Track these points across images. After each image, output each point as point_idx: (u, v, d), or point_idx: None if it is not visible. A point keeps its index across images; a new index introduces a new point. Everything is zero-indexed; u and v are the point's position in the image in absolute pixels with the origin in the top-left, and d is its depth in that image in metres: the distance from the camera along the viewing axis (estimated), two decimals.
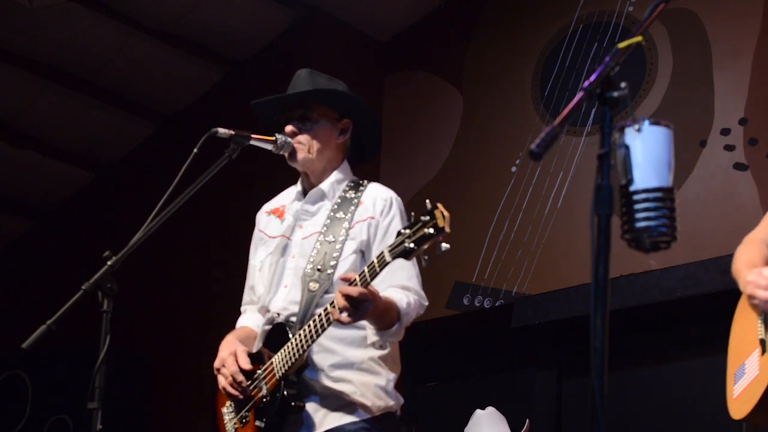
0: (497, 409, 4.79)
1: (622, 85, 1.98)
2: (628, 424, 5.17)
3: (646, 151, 2.00)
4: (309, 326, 2.98)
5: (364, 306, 2.81)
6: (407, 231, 2.68)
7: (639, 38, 2.17)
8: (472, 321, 5.77)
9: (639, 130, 2.00)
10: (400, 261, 2.77)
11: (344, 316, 2.83)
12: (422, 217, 2.66)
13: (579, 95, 1.96)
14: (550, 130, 1.90)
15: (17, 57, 6.50)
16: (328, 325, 2.93)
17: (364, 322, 2.99)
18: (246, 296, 3.42)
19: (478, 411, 4.77)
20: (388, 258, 2.73)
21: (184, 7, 6.29)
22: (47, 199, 7.52)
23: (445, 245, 2.64)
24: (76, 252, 6.94)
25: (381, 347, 3.06)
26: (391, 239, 2.80)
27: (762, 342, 2.91)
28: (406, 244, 2.67)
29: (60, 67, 6.61)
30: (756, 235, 3.12)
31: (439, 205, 2.64)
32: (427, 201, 2.68)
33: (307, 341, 2.98)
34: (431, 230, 2.63)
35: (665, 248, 2.31)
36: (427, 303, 3.14)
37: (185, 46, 6.60)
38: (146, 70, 6.68)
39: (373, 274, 2.79)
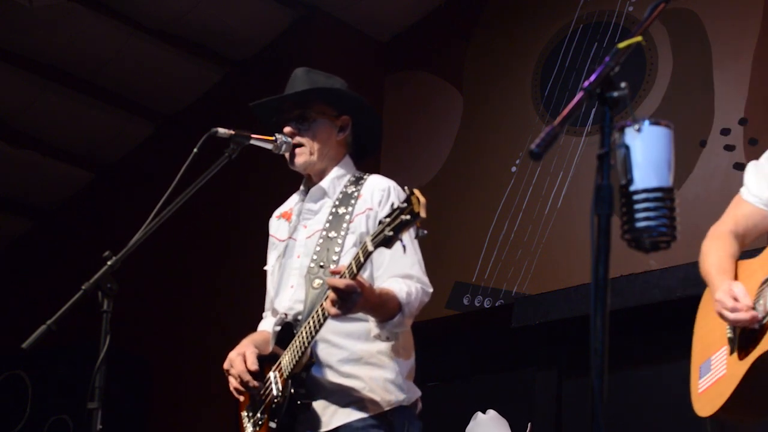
0: (497, 409, 4.78)
1: (622, 85, 1.97)
2: (628, 424, 5.17)
3: (646, 151, 1.99)
4: (309, 323, 2.98)
5: (353, 298, 2.81)
6: (387, 219, 2.71)
7: (639, 38, 2.17)
8: (472, 321, 5.77)
9: (639, 130, 2.00)
10: (400, 250, 2.79)
11: (333, 309, 2.82)
12: (400, 204, 2.67)
13: (579, 95, 1.95)
14: (550, 130, 1.90)
15: (17, 57, 6.50)
16: (324, 321, 2.93)
17: (368, 316, 2.98)
18: (266, 302, 3.42)
19: (480, 414, 4.76)
20: (370, 247, 2.74)
21: (184, 7, 6.29)
22: (47, 199, 7.52)
23: (422, 231, 2.66)
24: (76, 252, 6.94)
25: (387, 339, 3.05)
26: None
27: (730, 341, 2.91)
28: (386, 232, 2.69)
29: (60, 67, 6.61)
30: (723, 228, 3.10)
31: (416, 191, 2.66)
32: (405, 187, 2.70)
33: (308, 338, 2.98)
34: (408, 216, 2.65)
35: (665, 248, 2.31)
36: (431, 290, 3.11)
37: (185, 46, 6.60)
38: (146, 70, 6.69)
39: (359, 265, 2.80)
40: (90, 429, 2.56)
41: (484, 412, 4.80)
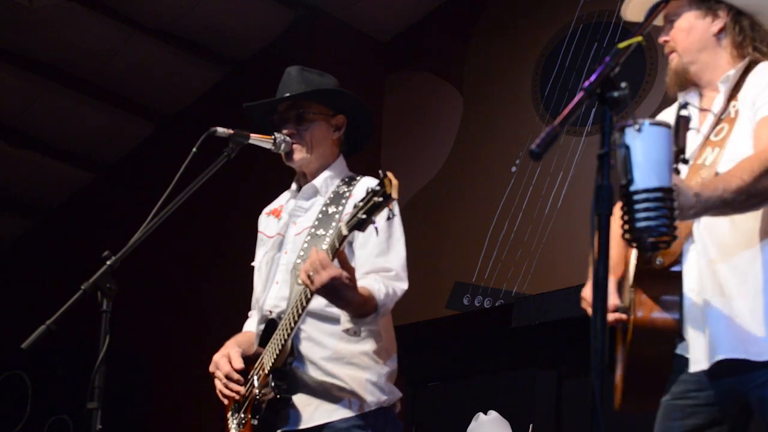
0: (497, 409, 4.78)
1: (623, 85, 1.98)
2: (628, 424, 5.16)
3: (647, 151, 2.00)
4: (288, 315, 2.98)
5: (325, 277, 2.80)
6: (360, 203, 2.73)
7: (639, 38, 2.18)
8: (472, 321, 5.77)
9: (639, 130, 2.00)
10: (383, 242, 2.86)
11: (304, 275, 2.84)
12: (374, 187, 2.69)
13: (579, 95, 1.96)
14: (550, 130, 1.90)
15: (17, 57, 6.50)
16: (302, 311, 2.93)
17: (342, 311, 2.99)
18: (252, 300, 3.43)
19: (481, 415, 4.75)
20: (344, 231, 2.77)
21: (184, 7, 6.30)
22: (47, 199, 7.52)
23: (391, 213, 2.70)
24: (76, 252, 6.94)
25: (355, 334, 3.06)
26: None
27: (622, 329, 2.80)
28: (359, 215, 2.72)
29: (60, 67, 6.62)
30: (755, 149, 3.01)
31: (389, 173, 2.69)
32: (380, 171, 2.71)
33: (287, 330, 2.99)
34: (380, 198, 2.68)
35: (665, 248, 2.31)
36: (406, 286, 3.11)
37: (185, 46, 6.60)
38: (146, 70, 6.69)
39: (335, 251, 2.82)
40: (90, 429, 2.55)
41: (485, 413, 4.79)
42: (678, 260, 2.62)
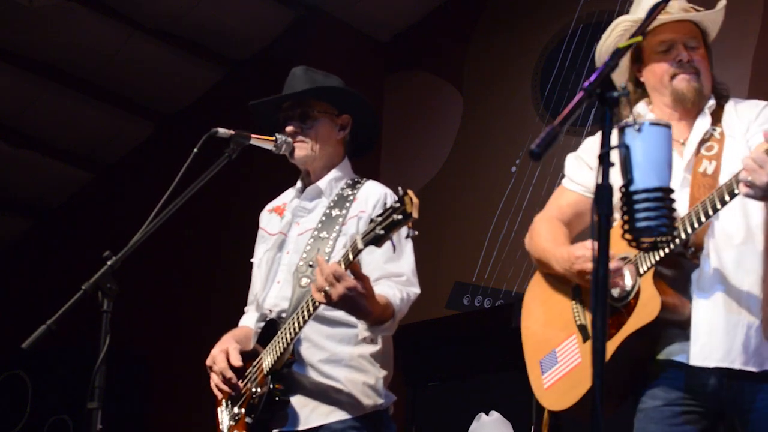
0: (497, 409, 4.78)
1: (623, 84, 1.98)
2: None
3: (647, 151, 2.00)
4: (293, 320, 2.98)
5: (339, 289, 2.81)
6: (378, 218, 2.72)
7: (639, 38, 2.18)
8: (472, 321, 5.77)
9: (639, 130, 2.00)
10: (399, 245, 2.85)
11: (319, 295, 2.83)
12: (393, 204, 2.68)
13: (579, 95, 1.96)
14: (550, 130, 1.90)
15: (17, 57, 6.51)
16: (309, 318, 2.93)
17: (354, 319, 2.99)
18: (249, 295, 3.43)
19: (483, 416, 4.75)
20: (360, 245, 2.77)
21: (184, 7, 6.30)
22: (47, 199, 7.52)
23: (412, 231, 2.67)
24: (76, 252, 6.94)
25: (373, 341, 3.07)
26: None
27: (582, 328, 2.83)
28: (377, 231, 2.71)
29: (60, 67, 6.62)
30: (549, 215, 3.05)
31: (409, 192, 2.68)
32: (399, 188, 2.71)
33: (291, 335, 2.99)
34: (400, 216, 2.67)
35: (665, 248, 2.31)
36: (418, 290, 3.13)
37: (185, 46, 6.60)
38: (146, 70, 6.69)
39: (348, 262, 2.82)
40: (90, 429, 2.55)
41: (486, 413, 4.79)
42: (700, 251, 2.71)
